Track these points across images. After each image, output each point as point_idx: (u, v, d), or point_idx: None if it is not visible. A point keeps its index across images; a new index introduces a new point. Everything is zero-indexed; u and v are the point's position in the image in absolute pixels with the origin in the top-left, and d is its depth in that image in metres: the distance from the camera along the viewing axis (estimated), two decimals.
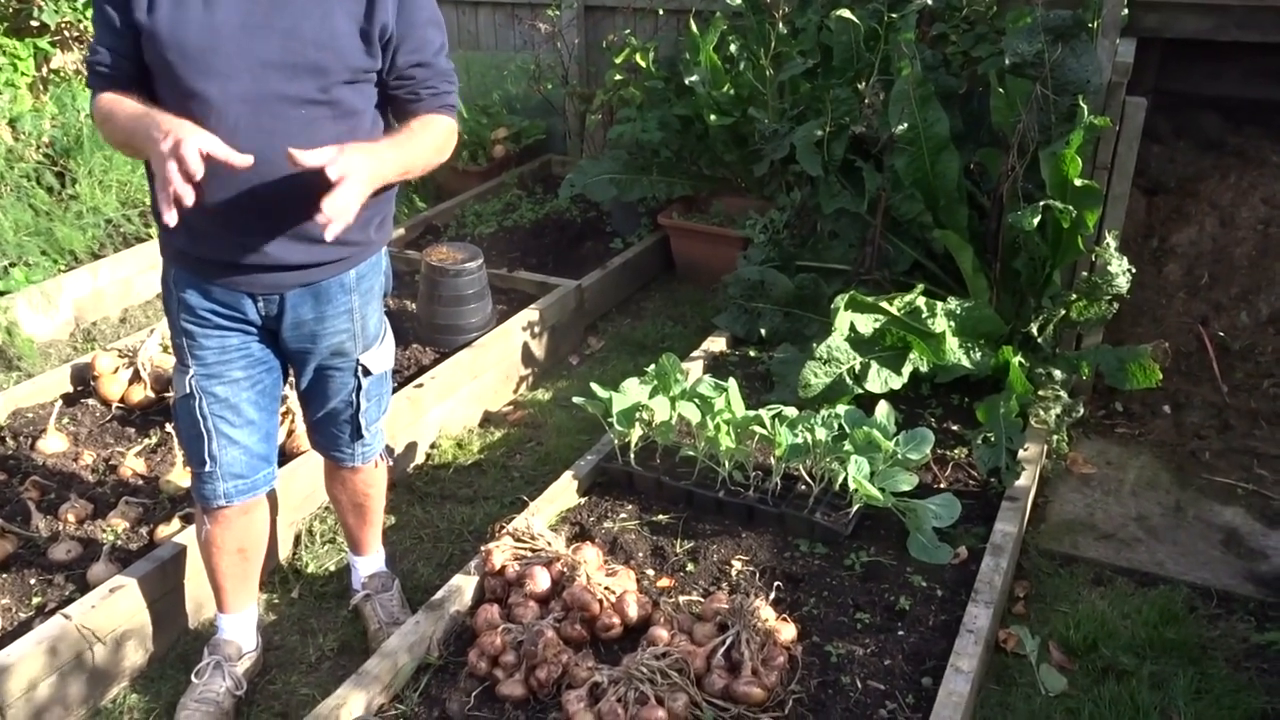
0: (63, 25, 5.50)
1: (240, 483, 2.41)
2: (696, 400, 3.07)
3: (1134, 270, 3.46)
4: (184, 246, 2.21)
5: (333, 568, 3.10)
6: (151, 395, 3.60)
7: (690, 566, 2.81)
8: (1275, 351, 3.68)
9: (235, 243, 2.16)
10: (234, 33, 2.01)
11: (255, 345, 2.35)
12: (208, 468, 2.37)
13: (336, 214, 1.92)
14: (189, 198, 1.87)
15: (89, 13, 5.33)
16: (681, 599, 2.65)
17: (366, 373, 2.47)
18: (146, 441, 3.42)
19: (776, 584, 2.69)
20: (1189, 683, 2.57)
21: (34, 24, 5.35)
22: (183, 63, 2.02)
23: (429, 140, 2.25)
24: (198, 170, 1.86)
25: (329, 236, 1.95)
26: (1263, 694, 2.56)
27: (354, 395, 2.49)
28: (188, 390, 2.31)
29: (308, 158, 1.93)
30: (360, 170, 1.98)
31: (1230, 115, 4.31)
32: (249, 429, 2.39)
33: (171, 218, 1.88)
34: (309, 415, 2.57)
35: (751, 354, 3.98)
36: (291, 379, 2.51)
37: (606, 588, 2.58)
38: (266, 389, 2.41)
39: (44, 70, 5.54)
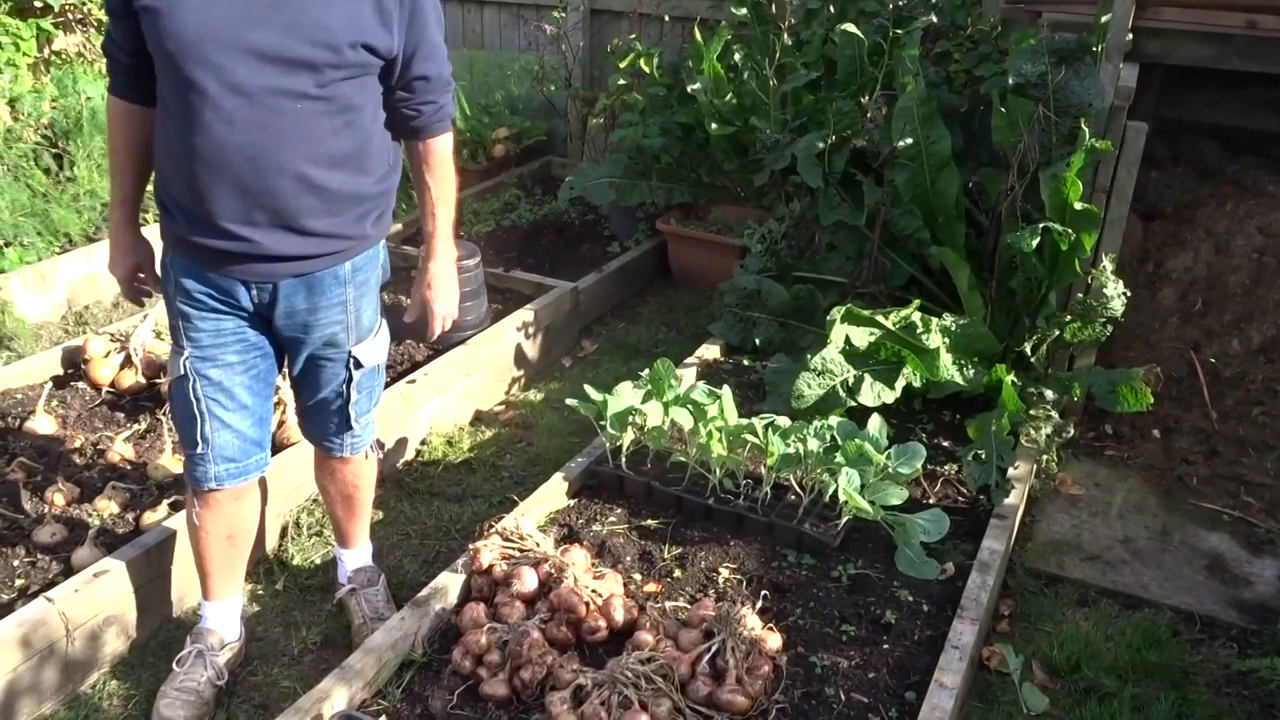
0: (66, 7, 5.49)
1: (232, 466, 2.41)
2: (690, 406, 3.07)
3: (1129, 294, 3.47)
4: (181, 233, 2.22)
5: (319, 560, 3.09)
6: (142, 381, 3.59)
7: (678, 572, 2.81)
8: (1265, 379, 3.70)
9: (230, 233, 2.17)
10: (232, 24, 2.02)
11: (250, 330, 2.35)
12: (200, 450, 2.37)
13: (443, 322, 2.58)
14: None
15: None
16: (668, 605, 2.65)
17: (358, 364, 2.47)
18: (136, 427, 3.41)
19: (763, 593, 2.69)
20: (1170, 707, 2.58)
21: (37, 4, 5.34)
22: (179, 52, 2.02)
23: (448, 191, 2.48)
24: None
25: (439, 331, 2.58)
26: None
27: (345, 386, 2.49)
28: (182, 372, 2.31)
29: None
30: (449, 293, 2.57)
31: (1228, 144, 4.34)
32: (242, 413, 2.39)
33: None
34: (300, 403, 2.57)
35: (745, 363, 3.99)
36: (285, 366, 2.52)
37: (593, 590, 2.57)
38: (261, 374, 2.41)
39: (46, 51, 5.52)
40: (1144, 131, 3.44)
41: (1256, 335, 3.78)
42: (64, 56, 5.60)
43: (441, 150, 2.41)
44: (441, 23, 2.27)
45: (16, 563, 2.78)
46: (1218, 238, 3.99)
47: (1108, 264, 3.46)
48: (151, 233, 2.38)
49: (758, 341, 4.01)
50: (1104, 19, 3.44)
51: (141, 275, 2.47)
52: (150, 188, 2.34)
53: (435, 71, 2.27)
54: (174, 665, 2.55)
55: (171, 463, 3.14)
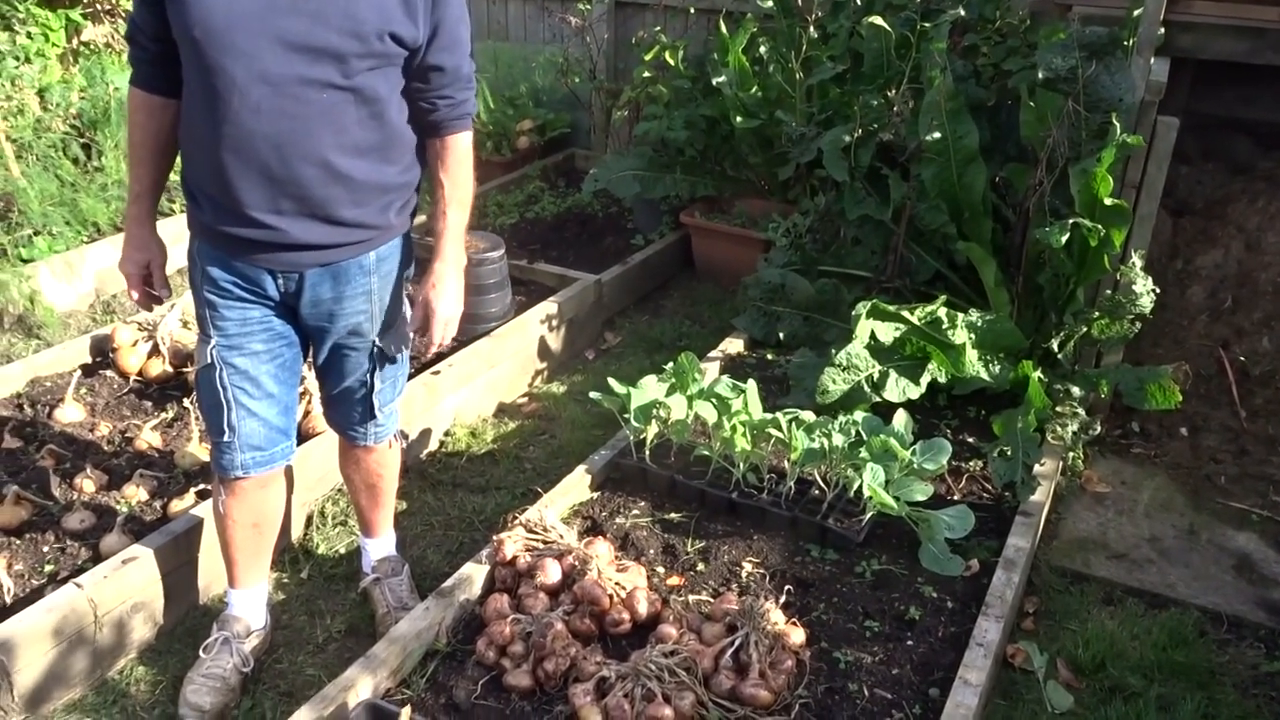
0: None
1: (258, 454, 2.43)
2: (714, 400, 3.07)
3: (1158, 290, 3.44)
4: (208, 222, 2.24)
5: (343, 550, 3.11)
6: (169, 369, 3.61)
7: (701, 566, 2.81)
8: None
9: (257, 221, 2.18)
10: (260, 12, 2.02)
11: (276, 319, 2.36)
12: (226, 438, 2.39)
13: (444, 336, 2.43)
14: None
15: None
16: (691, 598, 2.65)
17: (382, 354, 2.48)
18: (163, 415, 3.44)
19: (787, 588, 2.68)
20: (1196, 707, 2.56)
21: None
22: (206, 39, 2.03)
23: (463, 191, 2.39)
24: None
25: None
26: None
27: (369, 375, 2.50)
28: (209, 360, 2.33)
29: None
30: (454, 297, 2.39)
31: (1261, 139, 4.29)
32: (268, 401, 2.40)
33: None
34: (325, 392, 2.59)
35: (769, 357, 3.98)
36: (310, 355, 2.53)
37: (617, 583, 2.58)
38: (286, 363, 2.42)
39: (74, 42, 5.56)
40: (1175, 127, 3.40)
41: None
42: (92, 47, 5.64)
43: (458, 148, 2.35)
44: (465, 19, 2.24)
45: (46, 549, 2.81)
46: (1249, 234, 3.95)
47: (1137, 260, 3.43)
48: (178, 223, 2.39)
49: (782, 335, 4.00)
50: (1135, 13, 3.41)
51: (152, 276, 2.47)
52: (176, 177, 2.35)
53: (452, 64, 2.23)
54: (200, 652, 2.57)
55: (199, 451, 3.16)
